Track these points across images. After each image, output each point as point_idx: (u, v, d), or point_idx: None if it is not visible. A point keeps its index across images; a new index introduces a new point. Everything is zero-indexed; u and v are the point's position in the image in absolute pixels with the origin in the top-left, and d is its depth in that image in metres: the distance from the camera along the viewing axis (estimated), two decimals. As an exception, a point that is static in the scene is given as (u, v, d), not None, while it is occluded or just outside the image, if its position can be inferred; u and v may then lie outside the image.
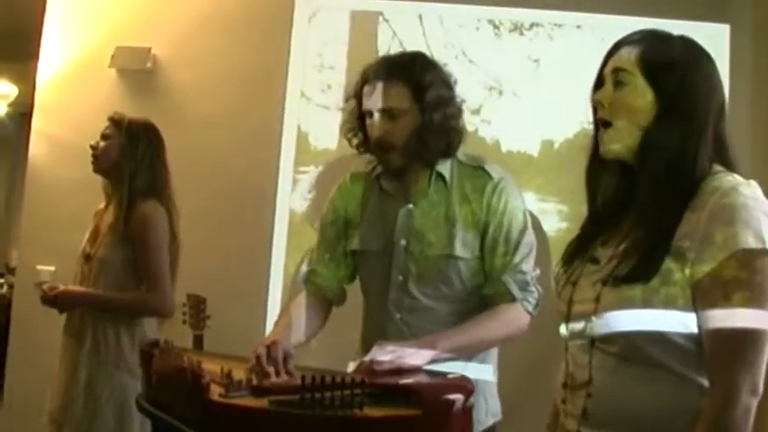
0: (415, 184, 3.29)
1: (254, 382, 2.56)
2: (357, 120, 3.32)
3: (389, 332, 3.21)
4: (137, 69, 5.66)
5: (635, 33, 2.34)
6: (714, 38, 5.39)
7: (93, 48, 5.69)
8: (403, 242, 3.24)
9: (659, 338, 2.15)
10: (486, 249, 3.22)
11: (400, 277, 3.25)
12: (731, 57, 5.44)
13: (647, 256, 2.16)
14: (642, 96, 2.25)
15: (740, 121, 5.20)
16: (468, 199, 3.24)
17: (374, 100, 3.20)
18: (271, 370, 2.71)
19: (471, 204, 3.22)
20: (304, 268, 3.50)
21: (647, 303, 2.14)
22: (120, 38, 5.68)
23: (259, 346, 2.83)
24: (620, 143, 2.28)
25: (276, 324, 3.35)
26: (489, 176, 3.25)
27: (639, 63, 2.26)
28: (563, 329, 2.36)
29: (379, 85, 3.19)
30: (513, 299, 3.16)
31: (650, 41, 2.30)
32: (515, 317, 3.18)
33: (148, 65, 5.64)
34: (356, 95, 3.30)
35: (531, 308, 3.18)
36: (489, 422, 3.31)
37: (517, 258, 3.19)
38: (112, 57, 5.64)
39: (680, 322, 2.14)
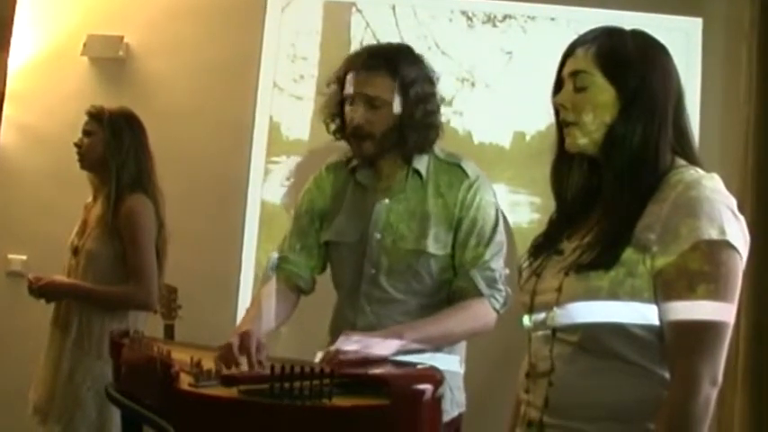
0: (391, 178, 3.30)
1: (225, 371, 2.56)
2: (336, 105, 3.32)
3: (359, 323, 3.22)
4: (109, 58, 5.63)
5: (588, 33, 2.35)
6: (687, 31, 5.44)
7: (65, 36, 5.66)
8: (377, 236, 3.25)
9: (619, 329, 2.17)
10: (457, 244, 3.23)
11: (372, 270, 3.25)
12: (704, 50, 5.47)
13: (608, 245, 2.18)
14: (604, 94, 2.27)
15: (712, 114, 5.25)
16: (444, 196, 3.25)
17: (358, 87, 3.21)
18: (243, 360, 2.70)
19: (446, 201, 3.24)
20: (275, 255, 3.47)
21: (607, 293, 2.16)
22: (93, 26, 5.65)
23: (231, 336, 2.81)
24: (587, 138, 2.29)
25: (247, 312, 3.34)
26: (465, 174, 3.27)
27: (597, 61, 2.28)
28: (526, 320, 2.38)
29: (365, 74, 3.20)
30: (480, 294, 3.18)
31: (604, 39, 2.31)
32: (482, 313, 3.19)
33: (121, 53, 5.62)
34: (338, 81, 3.31)
35: (497, 305, 3.20)
36: (455, 413, 3.32)
37: (487, 255, 3.21)
38: (84, 45, 5.61)
39: (640, 314, 2.15)
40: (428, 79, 3.28)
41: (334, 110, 3.33)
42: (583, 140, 2.30)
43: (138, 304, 4.22)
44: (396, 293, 3.24)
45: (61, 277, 4.30)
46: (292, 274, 3.39)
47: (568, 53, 2.36)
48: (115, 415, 4.05)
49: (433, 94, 3.28)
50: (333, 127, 3.36)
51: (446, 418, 3.22)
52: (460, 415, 3.36)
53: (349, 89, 3.23)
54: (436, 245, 3.21)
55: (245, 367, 2.67)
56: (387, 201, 3.27)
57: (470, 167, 3.30)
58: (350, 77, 3.24)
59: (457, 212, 3.22)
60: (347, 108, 3.25)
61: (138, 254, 4.19)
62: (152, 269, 4.22)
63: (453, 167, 3.29)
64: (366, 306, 3.26)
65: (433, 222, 3.22)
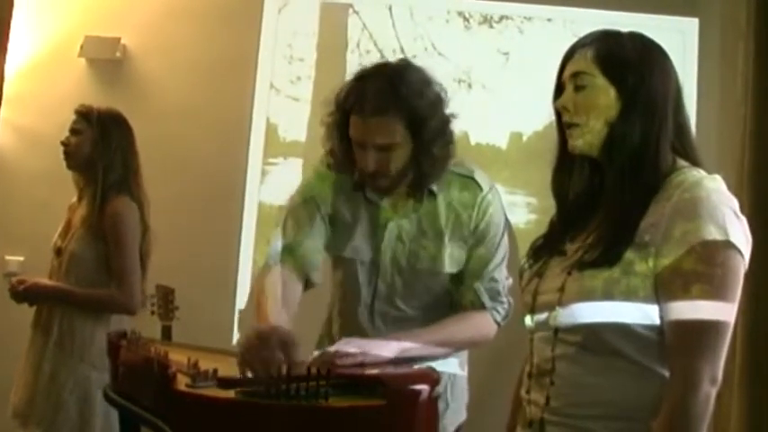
0: (403, 195, 3.19)
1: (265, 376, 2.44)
2: (341, 141, 3.12)
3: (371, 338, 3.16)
4: (106, 59, 5.64)
5: (587, 36, 2.37)
6: (683, 31, 5.46)
7: (62, 37, 5.67)
8: (389, 254, 3.19)
9: (621, 328, 2.18)
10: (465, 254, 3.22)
11: (386, 289, 3.21)
12: (700, 50, 5.49)
13: (611, 244, 2.19)
14: (604, 94, 2.28)
15: (709, 113, 5.25)
16: (457, 211, 3.18)
17: (366, 135, 3.01)
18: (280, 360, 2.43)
19: (459, 216, 3.17)
20: (278, 243, 3.20)
21: (609, 293, 2.17)
22: (90, 27, 5.66)
23: (256, 334, 2.54)
24: (588, 139, 2.30)
25: (260, 305, 3.01)
26: (479, 187, 3.19)
27: (597, 62, 2.30)
28: (528, 321, 2.39)
29: (374, 120, 2.98)
30: (482, 307, 3.17)
31: (603, 41, 2.34)
32: (483, 324, 3.18)
33: (118, 54, 5.62)
34: (341, 113, 3.08)
35: (499, 318, 3.19)
36: (465, 415, 3.37)
37: (491, 266, 3.19)
38: (81, 46, 5.62)
39: (642, 313, 2.17)
40: (439, 101, 3.09)
41: (339, 146, 3.14)
42: (586, 141, 2.31)
43: (119, 308, 4.21)
44: (410, 311, 3.22)
45: (44, 280, 4.30)
46: (305, 262, 3.17)
47: (568, 56, 2.38)
48: (97, 418, 4.07)
49: (446, 122, 3.11)
50: (334, 162, 3.19)
51: (461, 419, 3.33)
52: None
53: (357, 136, 3.04)
54: (451, 263, 3.18)
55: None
56: (399, 219, 3.19)
57: (483, 179, 3.22)
58: (356, 122, 3.03)
59: (471, 228, 3.17)
60: (356, 149, 3.08)
61: (121, 257, 4.19)
62: (135, 273, 4.22)
63: (466, 180, 3.20)
64: (382, 326, 3.20)
65: (447, 240, 3.17)
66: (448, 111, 3.13)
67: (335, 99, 3.11)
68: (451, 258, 3.18)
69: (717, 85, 5.42)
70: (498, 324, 3.20)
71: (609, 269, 2.17)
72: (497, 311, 3.19)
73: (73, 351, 4.14)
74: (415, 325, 3.16)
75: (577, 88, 2.32)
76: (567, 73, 2.36)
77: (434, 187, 3.17)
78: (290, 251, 3.17)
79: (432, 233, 3.18)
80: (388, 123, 2.99)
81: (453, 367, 3.19)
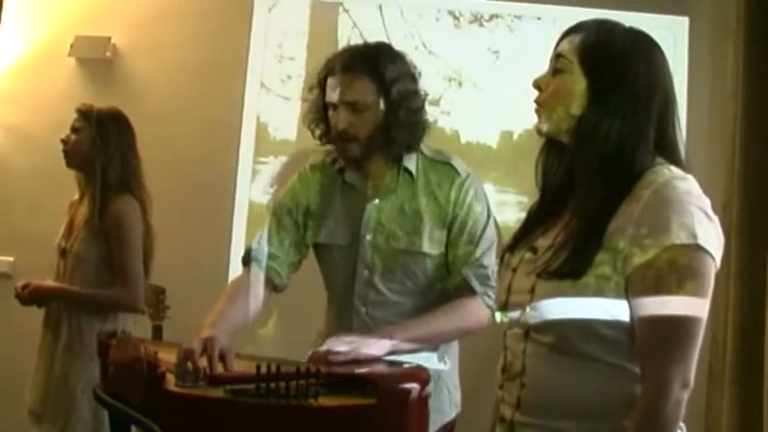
0: (381, 177, 3.27)
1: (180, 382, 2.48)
2: (320, 110, 3.27)
3: (355, 326, 3.20)
4: (96, 58, 5.63)
5: (585, 21, 2.35)
6: (673, 30, 5.46)
7: (52, 37, 5.66)
8: (369, 237, 3.23)
9: (591, 331, 2.16)
10: (450, 242, 3.22)
11: (366, 272, 3.24)
12: (690, 48, 5.49)
13: (579, 251, 2.16)
14: (576, 83, 2.26)
15: (699, 113, 5.25)
16: (435, 195, 3.23)
17: (339, 92, 3.16)
18: (204, 368, 2.55)
19: (438, 200, 3.22)
20: (251, 248, 3.36)
21: (579, 295, 2.15)
22: (80, 27, 5.65)
23: (193, 340, 2.65)
24: (551, 123, 2.29)
25: (214, 308, 3.15)
26: (456, 172, 3.26)
27: (578, 49, 2.27)
28: (500, 317, 2.38)
29: (345, 78, 3.15)
30: (473, 292, 3.17)
31: (593, 29, 2.31)
32: (475, 310, 3.18)
33: (108, 54, 5.61)
34: (320, 85, 3.26)
35: (491, 302, 3.16)
36: (453, 414, 3.35)
37: (478, 252, 3.20)
38: (71, 46, 5.60)
39: (612, 315, 2.14)
40: (410, 76, 3.23)
41: (318, 115, 3.29)
42: (549, 126, 2.30)
43: (124, 307, 4.23)
44: (391, 295, 3.23)
45: (47, 281, 4.30)
46: (269, 269, 3.30)
47: (562, 38, 2.36)
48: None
49: (415, 91, 3.23)
50: (318, 132, 3.32)
51: (446, 419, 3.29)
52: (456, 414, 3.39)
53: (330, 95, 3.19)
54: (431, 244, 3.20)
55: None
56: (377, 201, 3.25)
57: (460, 165, 3.29)
58: (330, 83, 3.20)
59: (450, 211, 3.21)
60: (330, 113, 3.22)
61: (124, 256, 4.20)
62: (138, 271, 4.24)
63: (443, 165, 3.28)
64: (361, 308, 3.24)
65: (426, 221, 3.20)
66: (422, 91, 3.28)
67: (316, 75, 3.29)
68: (431, 239, 3.21)
69: (707, 83, 5.44)
70: (491, 308, 3.17)
71: (577, 278, 2.16)
72: (488, 296, 3.17)
73: (82, 351, 4.14)
74: (398, 311, 3.21)
75: (555, 71, 2.31)
76: (553, 53, 2.36)
77: (412, 168, 3.25)
78: (259, 257, 3.33)
79: (410, 214, 3.23)
80: (358, 80, 3.16)
81: (433, 363, 3.17)
